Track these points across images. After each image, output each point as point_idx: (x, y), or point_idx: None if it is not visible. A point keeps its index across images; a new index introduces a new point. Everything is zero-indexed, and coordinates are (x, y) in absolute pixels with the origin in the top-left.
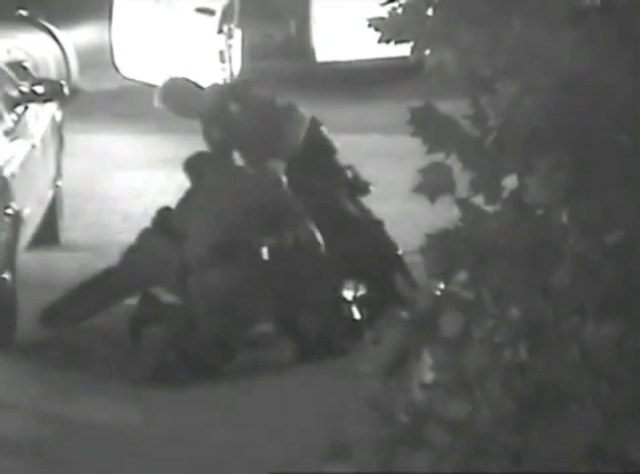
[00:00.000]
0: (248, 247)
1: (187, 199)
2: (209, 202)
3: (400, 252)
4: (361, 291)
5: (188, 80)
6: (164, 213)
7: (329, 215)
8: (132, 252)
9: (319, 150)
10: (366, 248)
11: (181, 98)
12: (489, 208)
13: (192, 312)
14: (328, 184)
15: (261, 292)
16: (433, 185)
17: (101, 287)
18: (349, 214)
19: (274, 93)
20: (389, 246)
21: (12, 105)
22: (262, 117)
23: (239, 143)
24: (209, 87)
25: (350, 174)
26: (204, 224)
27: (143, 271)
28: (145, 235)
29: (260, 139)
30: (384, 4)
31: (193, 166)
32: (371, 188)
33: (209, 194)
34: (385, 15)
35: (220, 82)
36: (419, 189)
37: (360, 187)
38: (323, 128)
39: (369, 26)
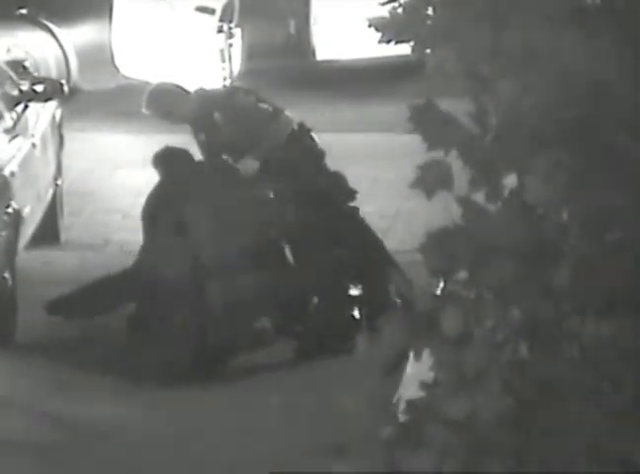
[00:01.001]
0: (276, 248)
1: (174, 194)
2: (212, 205)
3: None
4: (359, 290)
5: (174, 85)
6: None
7: (319, 218)
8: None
9: (307, 155)
10: (359, 247)
11: (166, 104)
12: (489, 207)
13: (213, 313)
14: (316, 188)
15: (287, 294)
16: (430, 181)
17: (115, 287)
18: (339, 217)
19: (257, 99)
20: (378, 243)
21: (12, 103)
22: (243, 124)
23: (224, 148)
24: (195, 92)
25: (337, 180)
26: (216, 228)
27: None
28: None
29: (239, 143)
30: (384, 4)
31: (162, 160)
32: (357, 195)
33: (206, 195)
34: (385, 14)
35: (206, 86)
36: (416, 184)
37: (346, 193)
38: (312, 133)
39: (370, 26)
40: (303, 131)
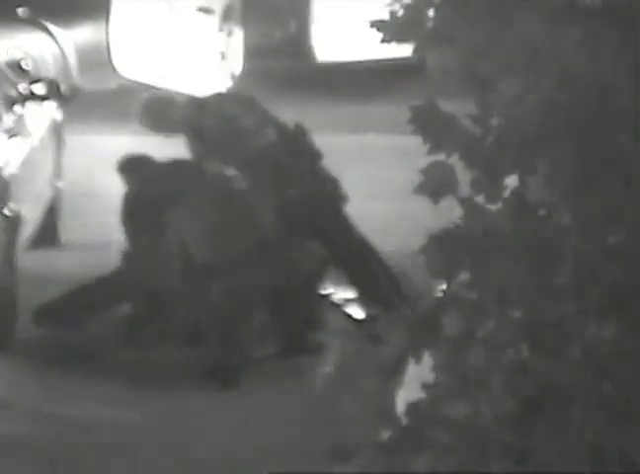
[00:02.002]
0: (280, 245)
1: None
2: (203, 205)
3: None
4: (355, 292)
5: (164, 96)
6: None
7: (314, 220)
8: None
9: (302, 157)
10: (352, 247)
11: (159, 117)
12: (491, 208)
13: (216, 313)
14: (312, 189)
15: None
16: (435, 184)
17: (99, 290)
18: (332, 219)
19: (246, 111)
20: (368, 245)
21: (11, 104)
22: (224, 134)
23: (215, 155)
24: (187, 101)
25: (331, 183)
26: (210, 229)
27: (142, 275)
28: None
29: (223, 151)
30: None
31: (127, 167)
32: (348, 201)
33: (195, 196)
34: (386, 15)
35: (198, 93)
36: (421, 189)
37: (339, 196)
38: (308, 135)
39: (371, 26)
40: (300, 133)
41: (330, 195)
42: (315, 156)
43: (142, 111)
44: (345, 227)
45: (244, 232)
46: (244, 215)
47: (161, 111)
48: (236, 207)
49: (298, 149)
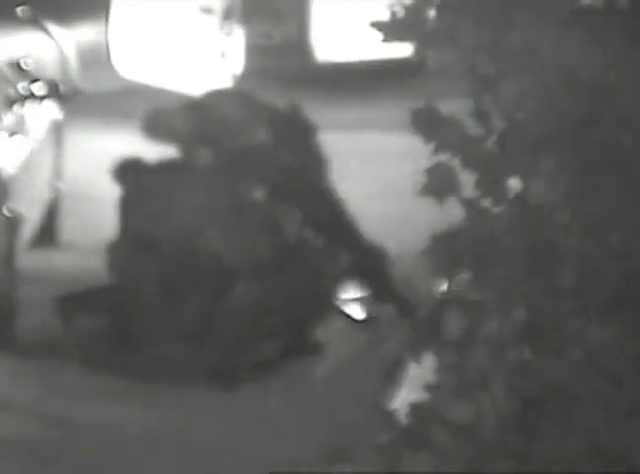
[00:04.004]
0: (303, 250)
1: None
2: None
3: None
4: (361, 293)
5: (166, 109)
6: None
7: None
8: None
9: (297, 132)
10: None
11: (162, 130)
12: (493, 208)
13: (242, 315)
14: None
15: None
16: (438, 186)
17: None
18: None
19: (247, 108)
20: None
21: (10, 104)
22: (223, 134)
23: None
24: (184, 104)
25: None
26: (241, 230)
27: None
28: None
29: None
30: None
31: (128, 172)
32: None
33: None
34: (386, 15)
35: (194, 95)
36: (424, 190)
37: (325, 176)
38: (303, 113)
39: (372, 26)
40: (295, 112)
41: (315, 173)
42: (309, 131)
43: (146, 124)
44: (329, 207)
45: (268, 235)
46: (267, 220)
47: (164, 123)
48: (260, 212)
49: (292, 125)
